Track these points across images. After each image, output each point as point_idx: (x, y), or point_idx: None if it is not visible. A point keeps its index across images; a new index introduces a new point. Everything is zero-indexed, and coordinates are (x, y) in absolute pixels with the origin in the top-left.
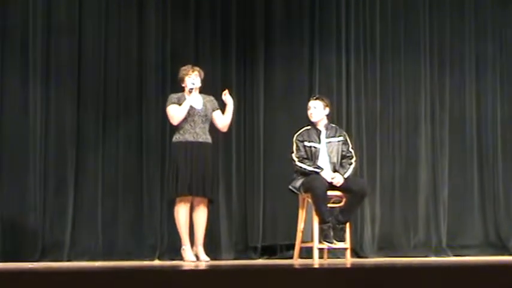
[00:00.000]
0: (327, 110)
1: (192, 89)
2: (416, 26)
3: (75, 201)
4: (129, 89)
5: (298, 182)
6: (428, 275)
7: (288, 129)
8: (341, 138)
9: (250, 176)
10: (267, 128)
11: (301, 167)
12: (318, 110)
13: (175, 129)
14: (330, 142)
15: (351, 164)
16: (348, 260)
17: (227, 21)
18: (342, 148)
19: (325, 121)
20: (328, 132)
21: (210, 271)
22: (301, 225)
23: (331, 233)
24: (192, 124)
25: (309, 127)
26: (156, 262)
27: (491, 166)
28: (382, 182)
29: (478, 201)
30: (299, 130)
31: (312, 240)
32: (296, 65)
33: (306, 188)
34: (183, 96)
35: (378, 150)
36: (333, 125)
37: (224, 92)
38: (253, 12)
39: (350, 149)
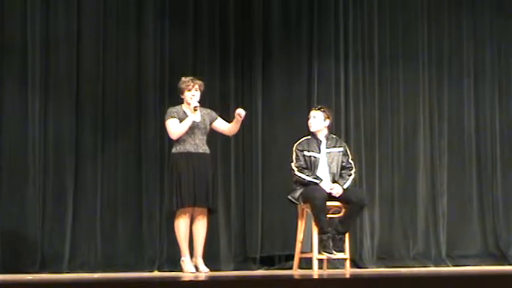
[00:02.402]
0: (328, 122)
1: (196, 107)
2: (415, 36)
3: (74, 213)
4: (127, 101)
5: (298, 192)
6: (427, 285)
7: (287, 139)
8: (341, 149)
9: (248, 187)
10: (265, 138)
11: (300, 177)
12: (317, 120)
13: (175, 140)
14: (330, 152)
15: (350, 175)
16: (347, 271)
17: (225, 31)
18: (341, 159)
19: (325, 132)
20: (328, 143)
21: (210, 282)
22: (300, 236)
23: (331, 244)
24: (192, 136)
25: (309, 137)
26: (156, 273)
27: (490, 176)
28: (381, 192)
29: (477, 211)
30: (299, 140)
31: (311, 251)
32: (294, 75)
33: (305, 198)
34: (182, 109)
35: (376, 160)
36: (334, 136)
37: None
38: (252, 23)
39: (350, 160)
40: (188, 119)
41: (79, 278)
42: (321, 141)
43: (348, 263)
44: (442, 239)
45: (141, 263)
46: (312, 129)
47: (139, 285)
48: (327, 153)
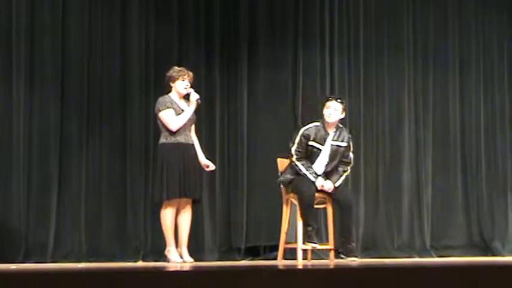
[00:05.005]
0: (343, 115)
1: (199, 99)
2: (400, 28)
3: (59, 202)
4: (112, 91)
5: (289, 178)
6: (412, 275)
7: (272, 129)
8: (345, 144)
9: (233, 177)
10: (250, 129)
11: (297, 166)
12: (338, 112)
13: (165, 130)
14: (334, 146)
15: (345, 171)
16: (332, 261)
17: (211, 22)
18: (344, 153)
19: (336, 124)
20: (335, 136)
21: (194, 272)
22: (285, 226)
23: (315, 234)
24: (183, 126)
25: (318, 123)
26: (140, 263)
27: (474, 167)
28: (366, 182)
29: (462, 202)
30: (308, 124)
31: (295, 241)
32: (280, 65)
33: (294, 188)
34: (170, 99)
35: (361, 151)
36: (342, 127)
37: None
38: (237, 13)
39: (351, 155)
40: (189, 109)
41: (63, 267)
42: (328, 133)
43: (332, 253)
44: (427, 229)
45: (126, 253)
46: (329, 121)
47: (124, 275)
48: (331, 145)
